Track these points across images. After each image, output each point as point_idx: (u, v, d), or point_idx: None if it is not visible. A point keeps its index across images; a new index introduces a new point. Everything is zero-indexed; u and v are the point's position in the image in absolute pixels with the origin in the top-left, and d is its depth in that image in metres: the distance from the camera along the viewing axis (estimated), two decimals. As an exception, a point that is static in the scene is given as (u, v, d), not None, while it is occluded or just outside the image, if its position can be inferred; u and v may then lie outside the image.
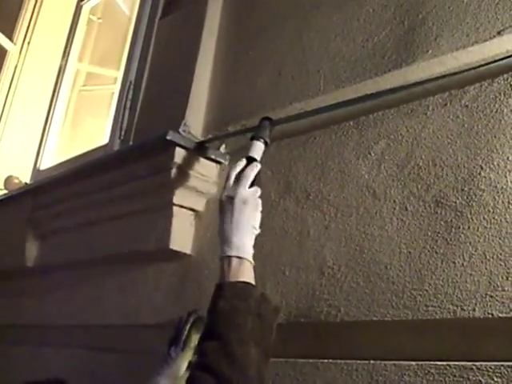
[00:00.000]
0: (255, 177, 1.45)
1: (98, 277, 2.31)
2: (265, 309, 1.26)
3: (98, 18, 3.67)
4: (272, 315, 1.28)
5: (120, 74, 2.80)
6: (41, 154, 3.14)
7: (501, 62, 1.32)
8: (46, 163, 3.11)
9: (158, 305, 1.98)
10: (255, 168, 1.45)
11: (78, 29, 3.43)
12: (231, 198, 1.38)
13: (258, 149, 1.54)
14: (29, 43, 3.88)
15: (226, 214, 1.38)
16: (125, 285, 2.16)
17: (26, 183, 3.09)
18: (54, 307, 2.51)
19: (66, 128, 3.33)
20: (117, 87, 2.81)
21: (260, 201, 1.42)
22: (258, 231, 1.39)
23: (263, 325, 1.24)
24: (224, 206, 1.39)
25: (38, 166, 3.12)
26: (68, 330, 2.42)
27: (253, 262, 1.33)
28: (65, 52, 3.39)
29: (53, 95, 3.30)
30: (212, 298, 1.28)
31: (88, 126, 3.48)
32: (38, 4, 3.95)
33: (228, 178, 1.44)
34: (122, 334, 2.14)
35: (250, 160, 1.50)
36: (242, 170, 1.45)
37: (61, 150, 3.19)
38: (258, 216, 1.40)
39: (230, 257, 1.31)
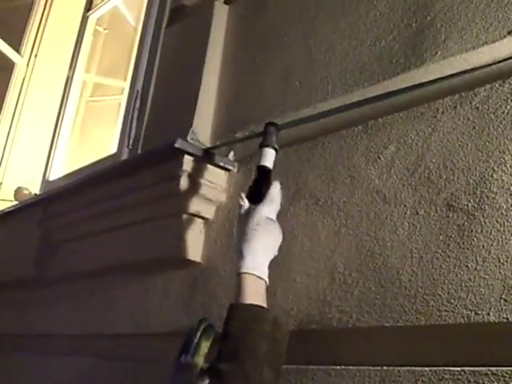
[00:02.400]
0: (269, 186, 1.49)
1: (108, 286, 2.31)
2: (279, 333, 1.28)
3: (105, 29, 3.69)
4: (284, 339, 1.30)
5: (127, 84, 2.80)
6: (50, 165, 3.15)
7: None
8: (55, 174, 3.12)
9: (167, 313, 1.98)
10: (278, 186, 1.47)
11: (85, 40, 3.44)
12: (263, 218, 1.40)
13: (269, 156, 1.55)
14: (36, 56, 3.90)
15: (249, 230, 1.38)
16: (134, 293, 2.15)
17: (35, 194, 3.10)
18: (64, 316, 2.51)
19: (74, 139, 3.34)
20: (124, 97, 2.81)
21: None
22: (275, 254, 1.41)
23: (276, 348, 1.26)
24: (247, 222, 1.40)
25: (47, 176, 3.13)
26: (78, 339, 2.42)
27: (268, 282, 1.34)
28: (72, 63, 3.41)
29: (60, 106, 3.31)
30: (226, 319, 1.29)
31: (96, 137, 3.49)
32: (44, 16, 3.98)
33: (266, 198, 1.45)
34: (132, 342, 2.13)
35: (263, 169, 1.50)
36: (261, 182, 1.46)
37: (69, 161, 3.20)
38: (280, 239, 1.42)
39: (250, 274, 1.32)
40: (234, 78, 2.14)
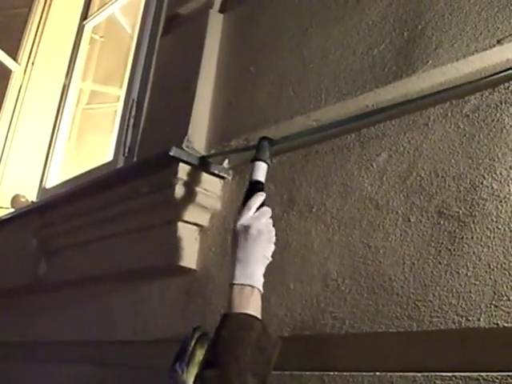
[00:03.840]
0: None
1: (104, 293, 2.31)
2: (265, 342, 1.28)
3: (101, 37, 3.71)
4: (272, 349, 1.30)
5: (123, 93, 2.81)
6: (46, 173, 3.16)
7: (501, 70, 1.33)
8: (51, 181, 3.13)
9: (163, 320, 1.98)
10: (260, 196, 1.48)
11: (81, 48, 3.45)
12: (247, 228, 1.40)
13: (261, 170, 1.56)
14: (33, 63, 3.91)
15: (241, 242, 1.39)
16: (131, 301, 2.15)
17: (32, 202, 3.11)
18: (60, 324, 2.51)
19: (70, 146, 3.35)
20: (120, 105, 2.83)
21: (274, 231, 1.44)
22: (269, 260, 1.41)
23: (262, 357, 1.26)
24: (239, 234, 1.41)
25: (43, 184, 3.14)
26: (75, 346, 2.42)
27: (262, 290, 1.35)
28: (68, 71, 3.42)
29: (57, 114, 3.32)
30: (216, 328, 1.30)
31: (92, 144, 3.50)
32: (41, 24, 3.99)
33: (245, 206, 1.46)
34: (129, 349, 2.14)
35: (255, 183, 1.53)
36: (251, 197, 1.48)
37: (66, 169, 3.21)
38: (272, 247, 1.43)
39: (242, 285, 1.33)
40: (228, 86, 2.15)
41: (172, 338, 1.83)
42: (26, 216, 2.81)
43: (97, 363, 2.26)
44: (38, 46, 3.97)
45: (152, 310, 2.04)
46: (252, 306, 1.31)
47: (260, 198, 1.48)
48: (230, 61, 2.20)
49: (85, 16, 3.55)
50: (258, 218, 1.44)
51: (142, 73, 2.61)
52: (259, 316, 1.31)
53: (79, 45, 3.45)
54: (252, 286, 1.34)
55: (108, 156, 2.72)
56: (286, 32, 1.99)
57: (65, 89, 3.37)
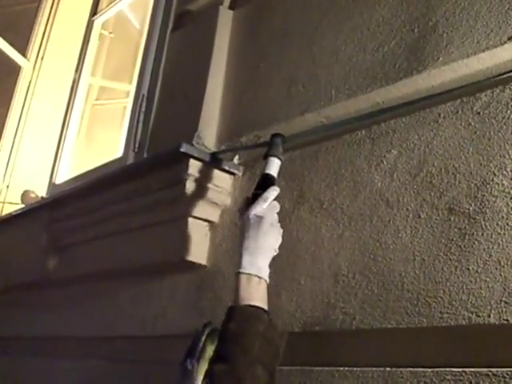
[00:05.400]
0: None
1: (115, 289, 2.33)
2: (273, 333, 1.29)
3: (110, 33, 3.71)
4: (279, 340, 1.31)
5: (132, 88, 2.82)
6: (56, 169, 3.15)
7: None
8: (61, 177, 3.13)
9: (174, 316, 2.00)
10: (276, 189, 1.49)
11: (90, 43, 3.45)
12: (260, 218, 1.41)
13: (274, 165, 1.57)
14: (42, 59, 3.93)
15: (252, 231, 1.40)
16: (141, 296, 2.17)
17: (42, 197, 3.11)
18: (71, 319, 2.53)
19: (80, 142, 3.35)
20: (130, 101, 2.83)
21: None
22: (276, 252, 1.42)
23: (271, 348, 1.27)
24: (252, 224, 1.41)
25: (53, 180, 3.14)
26: (85, 341, 2.44)
27: (268, 281, 1.36)
28: (78, 67, 3.41)
29: (67, 110, 3.32)
30: (223, 321, 1.31)
31: (102, 140, 3.51)
32: (50, 20, 4.00)
33: (260, 197, 1.46)
34: (140, 345, 2.15)
35: (268, 176, 1.54)
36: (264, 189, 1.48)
37: (76, 164, 3.21)
38: (280, 239, 1.43)
39: (250, 275, 1.34)
40: (238, 82, 2.16)
41: (182, 333, 1.84)
42: (36, 212, 2.83)
43: (107, 358, 2.27)
44: (47, 42, 3.98)
45: (162, 305, 2.05)
46: (259, 297, 1.32)
47: (275, 192, 1.48)
48: (240, 57, 2.20)
49: (94, 12, 3.55)
50: (272, 210, 1.44)
51: (152, 68, 2.60)
52: (266, 307, 1.32)
53: (88, 40, 3.45)
54: (259, 277, 1.34)
55: (118, 152, 2.73)
56: (295, 28, 1.99)
57: (74, 84, 3.36)
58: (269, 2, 2.16)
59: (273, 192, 1.48)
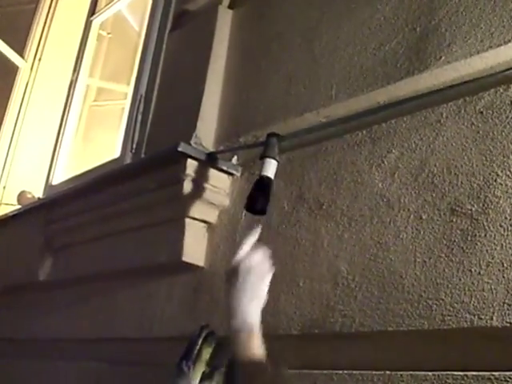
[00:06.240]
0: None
1: (112, 290, 2.32)
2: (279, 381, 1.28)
3: (108, 33, 3.70)
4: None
5: (130, 89, 2.81)
6: (53, 169, 3.15)
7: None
8: (58, 178, 3.12)
9: (170, 317, 1.99)
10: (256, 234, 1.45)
11: (88, 44, 3.45)
12: (235, 270, 1.38)
13: (271, 167, 1.57)
14: (40, 60, 3.93)
15: (232, 287, 1.37)
16: (138, 298, 2.16)
17: (38, 198, 3.10)
18: (67, 321, 2.52)
19: (77, 143, 3.35)
20: (127, 101, 2.83)
21: (268, 263, 1.40)
22: (265, 294, 1.38)
23: None
24: (229, 279, 1.38)
25: (50, 180, 3.13)
26: (81, 343, 2.43)
27: (259, 331, 1.32)
28: (75, 67, 3.41)
29: (64, 111, 3.32)
30: (226, 376, 1.32)
31: (99, 141, 3.51)
32: (48, 21, 4.00)
33: (240, 245, 1.42)
34: (135, 347, 2.14)
35: (262, 178, 1.56)
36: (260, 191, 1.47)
37: (72, 165, 3.21)
38: (267, 281, 1.39)
39: (238, 331, 1.31)
40: (237, 82, 2.15)
41: (179, 335, 1.84)
42: (32, 212, 2.83)
43: (104, 360, 2.26)
44: (44, 43, 3.99)
45: (160, 307, 2.04)
46: (253, 351, 1.29)
47: (254, 236, 1.44)
48: (239, 57, 2.20)
49: (92, 12, 3.54)
50: (249, 256, 1.40)
51: (150, 68, 2.60)
52: (263, 358, 1.29)
53: (86, 41, 3.44)
54: (251, 332, 1.31)
55: (115, 153, 2.73)
56: (295, 27, 1.99)
57: (72, 85, 3.36)
58: (268, 0, 2.16)
59: (252, 237, 1.43)
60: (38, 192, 3.24)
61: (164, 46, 2.60)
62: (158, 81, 2.53)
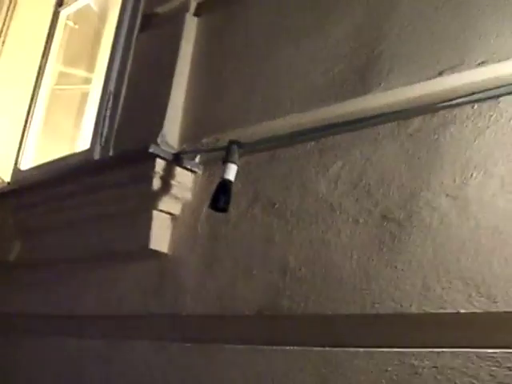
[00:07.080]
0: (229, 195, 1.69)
1: (82, 272, 2.46)
2: None
3: (75, 24, 3.77)
4: None
5: (98, 81, 2.90)
6: (21, 154, 3.18)
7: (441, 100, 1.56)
8: (26, 163, 3.16)
9: (137, 298, 2.16)
10: None
11: (56, 33, 3.49)
12: None
13: (231, 171, 1.80)
14: (3, 43, 3.92)
15: None
16: (107, 280, 2.32)
17: (8, 183, 3.14)
18: (38, 299, 2.63)
19: (45, 128, 3.37)
20: (95, 94, 2.93)
21: None
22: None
23: None
24: None
25: (18, 165, 3.17)
26: (51, 319, 2.56)
27: None
28: (44, 54, 3.43)
29: (32, 96, 3.35)
30: None
31: (63, 126, 3.55)
32: (12, 4, 4.00)
33: None
34: (104, 323, 2.31)
35: (226, 181, 1.78)
36: (222, 192, 1.67)
37: (41, 150, 3.25)
38: None
39: None
40: (201, 87, 2.32)
41: (145, 314, 2.05)
42: (1, 197, 2.92)
43: (73, 336, 2.41)
44: (8, 25, 3.98)
45: (127, 288, 2.22)
46: None
47: None
48: (204, 63, 2.35)
49: (60, 3, 3.60)
50: None
51: (118, 66, 2.69)
52: None
53: (54, 30, 3.46)
54: None
55: (80, 140, 2.82)
56: (256, 40, 2.16)
57: (40, 70, 3.38)
58: (232, 12, 2.32)
59: None
60: (5, 176, 3.22)
61: (133, 45, 2.68)
62: (126, 79, 2.62)
